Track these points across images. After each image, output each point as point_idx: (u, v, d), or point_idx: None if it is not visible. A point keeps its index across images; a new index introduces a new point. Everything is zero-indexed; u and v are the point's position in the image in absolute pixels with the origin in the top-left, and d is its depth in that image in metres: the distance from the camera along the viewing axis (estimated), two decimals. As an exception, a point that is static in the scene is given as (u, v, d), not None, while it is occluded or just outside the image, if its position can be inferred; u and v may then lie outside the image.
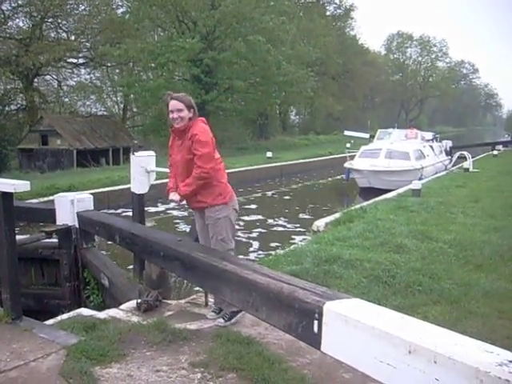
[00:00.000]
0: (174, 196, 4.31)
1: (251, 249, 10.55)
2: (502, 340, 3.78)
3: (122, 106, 40.88)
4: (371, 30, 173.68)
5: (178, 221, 13.89)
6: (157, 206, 15.44)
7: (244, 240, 11.31)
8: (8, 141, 27.85)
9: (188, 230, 7.37)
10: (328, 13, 57.49)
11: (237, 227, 12.97)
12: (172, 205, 15.86)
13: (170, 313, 4.68)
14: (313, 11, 50.03)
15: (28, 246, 6.13)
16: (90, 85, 36.22)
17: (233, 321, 4.26)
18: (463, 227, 8.23)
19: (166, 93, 4.32)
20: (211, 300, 4.80)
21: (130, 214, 6.40)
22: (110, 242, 6.53)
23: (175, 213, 14.96)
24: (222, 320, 4.28)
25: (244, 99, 36.09)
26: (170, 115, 4.15)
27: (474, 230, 8.05)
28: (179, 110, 4.11)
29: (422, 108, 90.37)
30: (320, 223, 9.21)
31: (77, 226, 6.17)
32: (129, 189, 6.32)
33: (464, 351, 1.55)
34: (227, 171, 4.50)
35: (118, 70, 38.10)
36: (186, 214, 14.42)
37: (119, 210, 14.21)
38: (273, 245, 10.13)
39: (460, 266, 6.02)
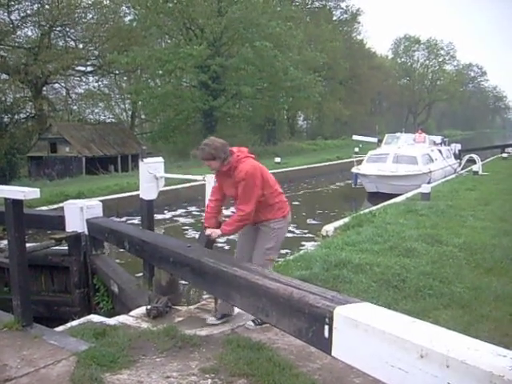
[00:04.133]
0: (213, 234, 4.33)
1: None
2: (515, 344, 3.74)
3: (130, 113, 41.14)
4: (378, 34, 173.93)
5: (186, 227, 13.89)
6: (164, 213, 15.43)
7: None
8: (17, 149, 28.16)
9: (197, 236, 7.36)
10: (335, 18, 57.43)
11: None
12: (179, 211, 15.89)
13: (179, 319, 4.67)
14: (319, 16, 50.07)
15: (38, 253, 6.17)
16: (99, 92, 36.46)
17: (263, 326, 4.24)
18: (473, 230, 8.17)
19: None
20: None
21: (135, 221, 6.42)
22: (121, 250, 6.53)
23: (182, 220, 14.96)
24: (251, 323, 4.29)
25: (252, 105, 36.14)
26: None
27: (485, 233, 7.99)
28: (209, 164, 4.27)
29: (430, 112, 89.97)
30: (329, 228, 9.18)
31: (86, 232, 6.20)
32: (138, 195, 6.34)
33: (477, 355, 1.54)
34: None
35: (125, 78, 38.33)
36: (193, 221, 14.43)
37: (123, 218, 14.09)
38: (282, 251, 10.05)
39: (470, 269, 5.98)
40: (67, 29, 31.87)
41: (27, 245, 4.87)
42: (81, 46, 32.96)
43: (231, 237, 11.75)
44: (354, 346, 1.92)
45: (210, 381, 3.38)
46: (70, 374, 3.46)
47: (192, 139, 37.60)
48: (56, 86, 35.22)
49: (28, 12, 30.34)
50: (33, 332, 4.31)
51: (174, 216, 15.51)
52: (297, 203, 19.02)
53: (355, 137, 29.66)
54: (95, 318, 4.80)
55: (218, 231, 4.31)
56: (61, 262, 6.46)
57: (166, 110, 33.89)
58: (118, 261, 8.15)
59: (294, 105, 40.50)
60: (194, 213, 15.56)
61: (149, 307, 4.73)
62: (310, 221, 14.80)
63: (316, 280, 5.22)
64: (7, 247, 4.61)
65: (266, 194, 4.27)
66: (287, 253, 7.82)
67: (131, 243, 5.09)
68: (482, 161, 22.50)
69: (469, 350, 1.57)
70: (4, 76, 29.72)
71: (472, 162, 22.58)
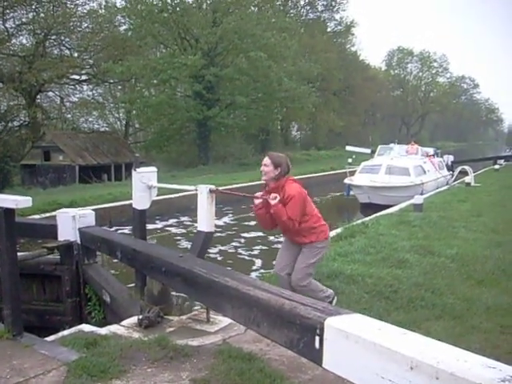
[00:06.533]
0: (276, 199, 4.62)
1: (254, 267, 10.45)
2: (505, 355, 3.75)
3: (124, 122, 41.11)
4: (372, 46, 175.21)
5: (178, 237, 13.82)
6: (155, 223, 15.34)
7: (246, 258, 11.25)
8: (10, 157, 28.02)
9: (189, 246, 7.35)
10: (329, 29, 57.87)
11: (237, 244, 12.78)
12: (170, 221, 15.78)
13: (171, 329, 4.66)
14: (314, 28, 50.44)
15: (29, 261, 6.12)
16: (93, 101, 36.38)
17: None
18: (465, 242, 8.21)
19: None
20: (213, 316, 4.79)
21: (126, 231, 6.38)
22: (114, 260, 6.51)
23: (174, 230, 14.89)
24: None
25: (246, 115, 36.22)
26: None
27: (476, 244, 8.03)
28: (268, 170, 4.70)
29: (423, 123, 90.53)
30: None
31: (78, 241, 6.16)
32: (130, 205, 6.33)
33: (466, 367, 1.54)
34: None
35: (120, 87, 38.32)
36: (184, 231, 14.36)
37: (113, 228, 13.82)
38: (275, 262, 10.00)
39: (462, 280, 6.00)
40: (62, 37, 31.88)
41: (19, 253, 4.84)
42: (76, 54, 32.94)
43: (223, 248, 11.86)
44: (344, 357, 1.92)
45: (201, 391, 3.36)
46: (60, 384, 3.43)
47: (186, 149, 37.67)
48: (50, 94, 35.14)
49: (23, 20, 30.35)
50: (23, 341, 4.28)
51: (166, 226, 15.44)
52: (290, 213, 18.96)
53: (348, 147, 29.66)
54: (86, 327, 4.78)
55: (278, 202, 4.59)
56: (52, 271, 6.42)
57: (160, 119, 33.90)
58: (112, 271, 8.10)
59: (288, 115, 40.69)
60: (185, 223, 15.51)
61: (140, 317, 4.71)
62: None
63: (308, 291, 5.21)
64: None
65: (308, 218, 4.78)
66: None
67: (123, 253, 5.07)
68: (474, 172, 22.62)
69: (458, 362, 1.57)
70: (-2, 84, 29.68)
71: (464, 173, 22.69)
